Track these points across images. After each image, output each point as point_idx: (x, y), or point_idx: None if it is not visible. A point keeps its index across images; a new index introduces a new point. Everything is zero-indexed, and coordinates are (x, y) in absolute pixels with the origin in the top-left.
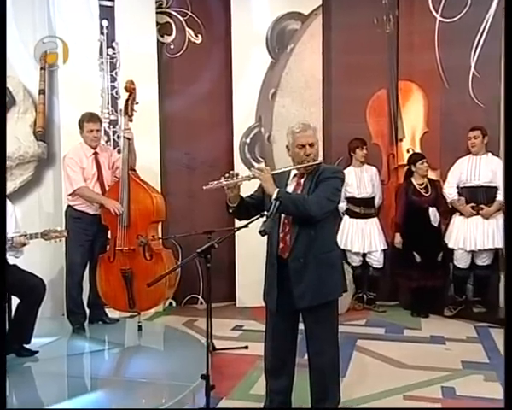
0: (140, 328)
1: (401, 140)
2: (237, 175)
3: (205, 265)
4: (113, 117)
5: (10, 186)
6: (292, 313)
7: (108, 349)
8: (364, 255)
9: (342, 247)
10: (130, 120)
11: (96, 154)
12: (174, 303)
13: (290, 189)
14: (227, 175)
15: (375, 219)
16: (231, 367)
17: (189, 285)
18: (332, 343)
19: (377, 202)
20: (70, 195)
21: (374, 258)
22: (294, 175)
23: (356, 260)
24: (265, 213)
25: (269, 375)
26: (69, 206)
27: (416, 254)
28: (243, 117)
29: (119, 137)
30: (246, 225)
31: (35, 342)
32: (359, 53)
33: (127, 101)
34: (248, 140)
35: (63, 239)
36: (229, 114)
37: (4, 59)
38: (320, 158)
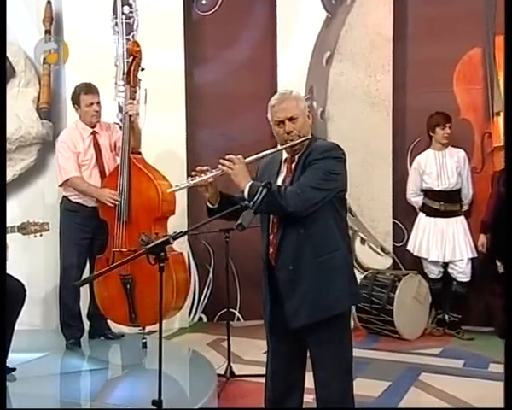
0: (145, 346)
1: (499, 114)
2: (207, 171)
3: (160, 268)
4: None
5: (9, 173)
6: (291, 332)
7: (100, 370)
8: (446, 265)
9: (415, 253)
10: (134, 91)
11: (94, 134)
12: (205, 319)
13: (281, 178)
14: (193, 173)
15: (461, 219)
16: (248, 398)
17: (223, 298)
18: (341, 371)
19: (465, 195)
20: (60, 186)
21: (458, 269)
22: (285, 160)
23: (434, 272)
24: (246, 202)
25: None
26: (64, 197)
27: (498, 263)
28: (291, 88)
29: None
30: (223, 216)
31: (15, 358)
32: (444, 1)
33: (130, 67)
34: None
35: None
36: (274, 85)
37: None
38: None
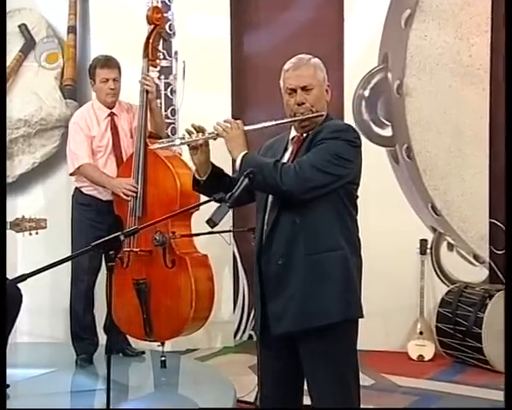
0: (164, 365)
1: None
2: (202, 132)
3: (109, 267)
4: (165, 63)
5: (29, 161)
6: (285, 343)
7: (101, 391)
8: None
9: None
10: (153, 66)
11: (112, 116)
12: (255, 337)
13: (285, 159)
14: (187, 130)
15: None
16: None
17: None
18: (339, 391)
19: None
20: (72, 174)
21: None
22: (293, 138)
23: None
24: (221, 194)
25: None
26: (76, 188)
27: None
28: (359, 57)
29: (173, 91)
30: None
31: (13, 374)
32: None
33: (148, 37)
34: (367, 92)
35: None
36: (340, 54)
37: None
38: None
